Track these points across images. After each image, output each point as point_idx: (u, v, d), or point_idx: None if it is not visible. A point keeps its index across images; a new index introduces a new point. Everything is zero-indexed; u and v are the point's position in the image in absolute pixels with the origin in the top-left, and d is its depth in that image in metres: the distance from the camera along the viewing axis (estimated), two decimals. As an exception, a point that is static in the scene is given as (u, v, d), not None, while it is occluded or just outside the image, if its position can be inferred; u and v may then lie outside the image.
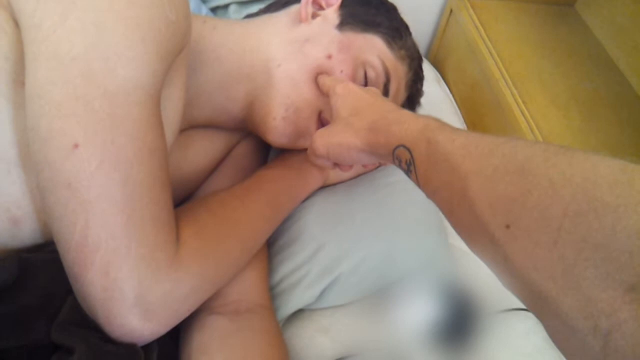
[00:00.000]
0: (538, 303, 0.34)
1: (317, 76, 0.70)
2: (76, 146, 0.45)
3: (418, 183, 0.50)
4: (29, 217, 0.53)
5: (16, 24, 0.50)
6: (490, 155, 0.40)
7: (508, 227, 0.36)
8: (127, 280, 0.46)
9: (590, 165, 0.33)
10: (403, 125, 0.52)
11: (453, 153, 0.43)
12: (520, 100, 1.05)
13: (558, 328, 0.33)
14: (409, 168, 0.50)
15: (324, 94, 0.70)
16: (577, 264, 0.31)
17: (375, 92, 0.65)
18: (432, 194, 0.47)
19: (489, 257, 0.39)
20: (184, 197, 0.78)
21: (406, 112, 0.55)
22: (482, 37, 1.18)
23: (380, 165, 0.82)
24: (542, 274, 0.33)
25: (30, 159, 0.50)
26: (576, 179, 0.33)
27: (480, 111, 1.18)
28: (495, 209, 0.37)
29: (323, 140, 0.62)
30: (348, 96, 0.63)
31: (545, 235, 0.33)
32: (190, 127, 0.74)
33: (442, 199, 0.45)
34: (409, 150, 0.49)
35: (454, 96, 1.24)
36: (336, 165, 0.67)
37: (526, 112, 1.03)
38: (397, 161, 0.52)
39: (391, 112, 0.56)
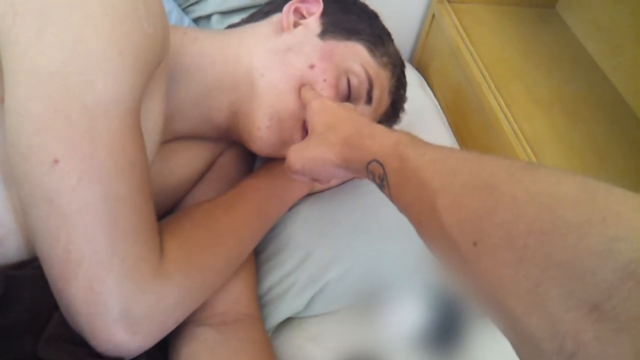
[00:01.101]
0: (505, 322, 0.34)
1: (300, 85, 0.70)
2: (56, 161, 0.45)
3: (390, 197, 0.50)
4: (13, 233, 0.52)
5: None
6: (458, 171, 0.40)
7: (475, 244, 0.36)
8: (111, 294, 0.46)
9: (553, 182, 0.33)
10: (376, 139, 0.52)
11: (422, 168, 0.44)
12: (503, 103, 1.05)
13: (524, 347, 0.33)
14: (382, 182, 0.50)
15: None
16: (542, 282, 0.31)
17: (350, 107, 0.65)
18: (403, 208, 0.48)
19: (458, 273, 0.39)
20: (168, 208, 0.78)
21: (379, 127, 0.56)
22: (464, 41, 1.19)
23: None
24: (508, 292, 0.33)
25: (11, 175, 0.50)
26: (540, 196, 0.33)
27: (464, 115, 1.18)
28: (462, 226, 0.37)
29: (298, 155, 0.62)
30: (323, 111, 0.63)
31: (511, 253, 0.33)
32: (173, 138, 0.74)
33: (412, 214, 0.46)
34: (381, 165, 0.50)
35: (438, 100, 1.24)
36: (314, 179, 0.67)
37: (509, 114, 1.03)
38: (371, 175, 0.52)
39: (365, 127, 0.57)
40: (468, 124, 1.17)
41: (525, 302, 0.32)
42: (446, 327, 0.74)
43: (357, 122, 0.59)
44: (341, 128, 0.59)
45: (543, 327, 0.30)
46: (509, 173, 0.36)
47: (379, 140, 0.52)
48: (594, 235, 0.29)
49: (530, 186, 0.34)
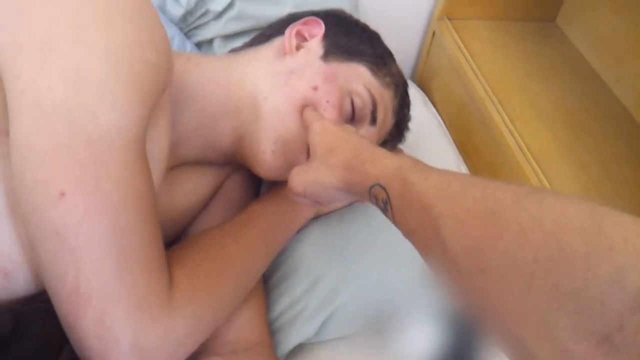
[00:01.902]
0: (515, 351, 0.33)
1: (304, 108, 0.70)
2: (62, 194, 0.45)
3: (394, 222, 0.49)
4: (20, 268, 0.52)
5: None
6: (462, 196, 0.40)
7: (482, 271, 0.35)
8: (121, 328, 0.46)
9: (559, 208, 0.33)
10: (377, 163, 0.52)
11: (426, 193, 0.43)
12: (506, 118, 1.05)
13: None
14: (385, 207, 0.50)
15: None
16: (551, 312, 0.30)
17: (351, 129, 0.65)
18: (407, 233, 0.47)
19: (466, 300, 0.38)
20: (176, 235, 0.77)
21: (380, 150, 0.55)
22: (465, 57, 1.19)
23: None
24: (517, 322, 0.32)
25: (18, 209, 0.50)
26: (546, 223, 0.32)
27: (468, 131, 1.18)
28: (468, 253, 0.37)
29: (299, 178, 0.62)
30: (324, 133, 0.63)
31: (518, 281, 0.32)
32: (179, 164, 0.74)
33: (417, 240, 0.45)
34: (384, 189, 0.49)
35: (441, 117, 1.24)
36: (316, 202, 0.67)
37: (513, 129, 1.03)
38: (374, 199, 0.52)
39: (366, 150, 0.56)
40: (472, 140, 1.17)
41: (534, 333, 0.31)
42: (459, 353, 0.73)
43: (358, 144, 0.59)
44: (342, 151, 0.59)
45: (554, 359, 0.30)
46: (514, 199, 0.36)
47: (381, 164, 0.52)
48: (602, 264, 0.29)
49: (535, 213, 0.33)
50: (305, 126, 0.70)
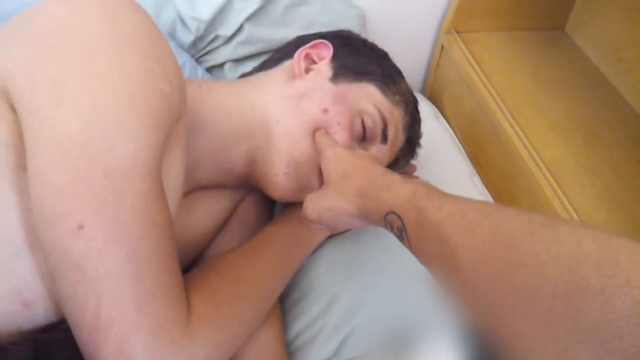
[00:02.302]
0: None
1: (315, 130, 0.71)
2: (81, 227, 0.46)
3: (411, 249, 0.49)
4: (41, 298, 0.53)
5: (14, 110, 0.51)
6: (477, 226, 0.40)
7: (501, 305, 0.35)
8: (141, 356, 0.47)
9: (574, 241, 0.33)
10: (391, 191, 0.52)
11: (441, 222, 0.43)
12: (518, 130, 1.05)
13: None
14: (401, 234, 0.50)
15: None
16: (570, 347, 0.30)
17: (364, 155, 0.66)
18: (424, 261, 0.47)
19: (485, 331, 0.38)
20: (193, 259, 0.78)
21: (394, 177, 0.56)
22: (474, 70, 1.19)
23: None
24: (537, 354, 0.32)
25: (37, 242, 0.51)
26: (562, 257, 0.33)
27: (480, 143, 1.18)
28: (486, 286, 0.37)
29: (314, 205, 0.63)
30: (337, 160, 0.64)
31: (537, 316, 0.32)
32: (193, 189, 0.75)
33: (434, 268, 0.45)
34: (399, 217, 0.50)
35: (453, 130, 1.24)
36: (331, 228, 0.67)
37: (525, 140, 1.03)
38: (389, 227, 0.52)
39: (380, 177, 0.57)
40: (485, 151, 1.16)
41: None
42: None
43: (372, 171, 0.59)
44: (356, 178, 0.59)
45: None
46: (529, 231, 0.36)
47: (395, 192, 0.52)
48: (619, 298, 0.29)
49: (551, 247, 0.34)
50: (317, 150, 0.70)
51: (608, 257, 0.31)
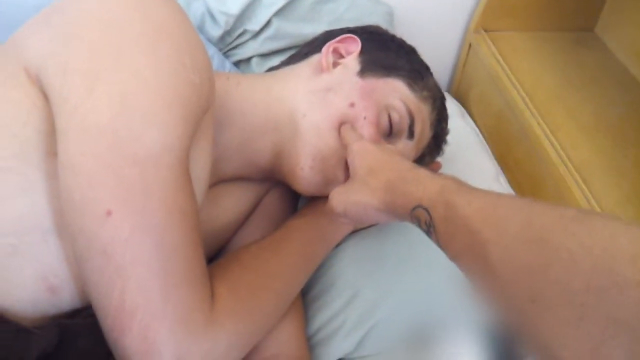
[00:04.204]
0: None
1: (342, 124, 0.71)
2: (109, 213, 0.47)
3: (439, 244, 0.49)
4: (67, 284, 0.54)
5: (46, 97, 0.52)
6: (508, 221, 0.40)
7: (533, 301, 0.35)
8: (165, 343, 0.47)
9: (608, 234, 0.33)
10: (420, 185, 0.52)
11: (471, 217, 0.43)
12: (547, 130, 1.04)
13: None
14: (429, 229, 0.49)
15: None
16: (604, 342, 0.30)
17: (391, 150, 0.65)
18: (453, 257, 0.47)
19: (517, 327, 0.38)
20: (217, 250, 0.79)
21: (422, 171, 0.55)
22: (503, 69, 1.18)
23: None
24: (570, 352, 0.32)
25: (64, 227, 0.51)
26: (595, 250, 0.32)
27: (507, 143, 1.17)
28: (518, 281, 0.37)
29: (340, 198, 0.62)
30: (364, 154, 0.63)
31: (570, 311, 0.32)
32: (219, 181, 0.75)
33: (463, 264, 0.45)
34: (427, 211, 0.49)
35: (479, 129, 1.23)
36: (357, 222, 0.67)
37: (554, 141, 1.02)
38: (416, 221, 0.52)
39: (407, 171, 0.56)
40: (512, 151, 1.15)
41: None
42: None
43: (399, 166, 0.59)
44: (383, 172, 0.59)
45: None
46: (561, 225, 0.35)
47: (423, 186, 0.51)
48: None
49: (585, 239, 0.33)
50: (343, 144, 0.70)
51: None
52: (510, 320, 0.39)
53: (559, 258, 0.34)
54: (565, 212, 0.36)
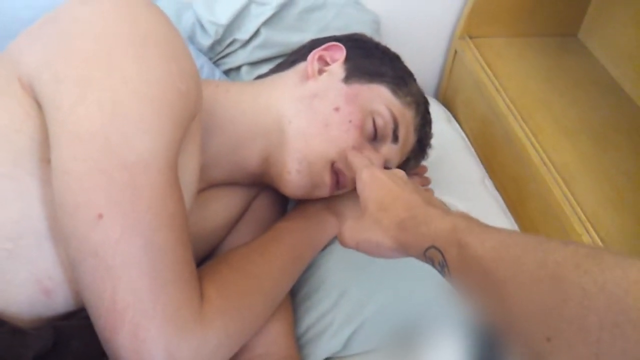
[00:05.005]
0: None
1: (327, 127, 0.72)
2: (100, 216, 0.48)
3: (452, 284, 0.49)
4: (61, 287, 0.55)
5: (39, 106, 0.54)
6: (522, 260, 0.40)
7: (549, 339, 0.35)
8: (155, 341, 0.48)
9: (620, 271, 0.33)
10: (431, 225, 0.51)
11: (484, 257, 0.43)
12: (530, 133, 1.06)
13: None
14: (442, 269, 0.49)
15: (351, 172, 0.70)
16: None
17: (400, 179, 0.64)
18: (467, 295, 0.47)
19: None
20: (207, 253, 0.80)
21: (434, 210, 0.55)
22: (487, 75, 1.20)
23: None
24: None
25: (58, 232, 0.53)
26: (609, 286, 0.32)
27: (492, 146, 1.19)
28: (534, 319, 0.37)
29: (352, 234, 0.61)
30: (374, 185, 0.62)
31: (586, 348, 0.32)
32: (209, 186, 0.77)
33: (477, 302, 0.45)
34: (440, 251, 0.49)
35: (465, 133, 1.26)
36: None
37: (537, 144, 1.04)
38: (430, 261, 0.51)
39: (419, 209, 0.56)
40: (497, 155, 1.17)
41: None
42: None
43: (410, 202, 0.58)
44: (394, 209, 0.58)
45: None
46: (574, 263, 0.36)
47: (435, 226, 0.51)
48: None
49: (598, 277, 0.33)
50: (330, 146, 0.72)
51: None
52: (526, 358, 0.39)
53: (573, 296, 0.34)
54: (578, 250, 0.37)
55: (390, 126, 0.76)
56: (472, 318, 0.76)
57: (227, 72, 1.09)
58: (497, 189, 1.12)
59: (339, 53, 0.79)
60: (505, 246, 0.42)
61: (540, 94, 1.18)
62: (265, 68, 0.98)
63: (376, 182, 0.63)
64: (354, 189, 0.67)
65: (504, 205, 1.09)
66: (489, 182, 1.11)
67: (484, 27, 1.29)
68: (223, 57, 1.08)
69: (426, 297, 0.76)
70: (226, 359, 0.57)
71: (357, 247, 0.61)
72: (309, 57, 0.78)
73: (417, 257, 0.53)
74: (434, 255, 0.50)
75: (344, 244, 0.63)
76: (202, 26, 1.04)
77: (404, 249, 0.55)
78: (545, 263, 0.38)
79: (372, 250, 0.60)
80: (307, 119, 0.73)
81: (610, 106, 1.18)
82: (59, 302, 0.56)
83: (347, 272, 0.77)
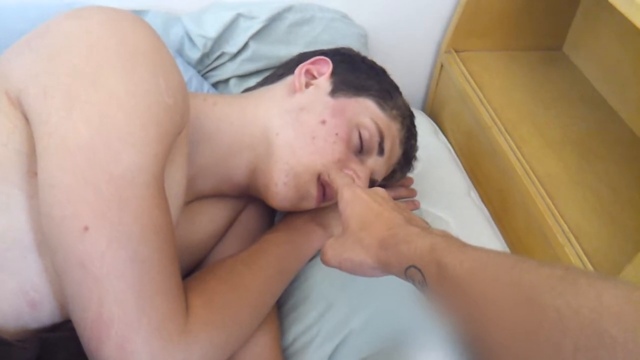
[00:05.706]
0: None
1: (314, 139, 0.73)
2: (86, 229, 0.49)
3: (433, 304, 0.49)
4: (47, 298, 0.55)
5: (26, 119, 0.54)
6: (499, 282, 0.40)
7: None
8: (141, 353, 0.49)
9: (594, 294, 0.33)
10: (411, 244, 0.51)
11: (462, 277, 0.43)
12: (514, 146, 1.08)
13: None
14: (422, 288, 0.49)
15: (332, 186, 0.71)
16: None
17: (382, 197, 0.64)
18: (447, 316, 0.47)
19: None
20: (194, 265, 0.81)
21: (413, 229, 0.55)
22: (472, 88, 1.22)
23: None
24: None
25: (44, 244, 0.53)
26: (583, 310, 0.33)
27: (477, 159, 1.21)
28: (510, 342, 0.37)
29: (334, 253, 0.61)
30: (355, 203, 0.62)
31: None
32: (196, 198, 0.77)
33: (456, 322, 0.46)
34: (420, 271, 0.49)
35: (452, 145, 1.27)
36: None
37: (520, 156, 1.05)
38: (411, 280, 0.51)
39: (399, 228, 0.56)
40: (482, 167, 1.19)
41: None
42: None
43: (390, 220, 0.58)
44: (376, 228, 0.58)
45: None
46: (549, 285, 0.36)
47: (414, 246, 0.51)
48: None
49: (572, 299, 0.34)
50: (316, 159, 0.73)
51: (629, 309, 0.31)
52: None
53: (548, 318, 0.34)
54: (554, 272, 0.37)
55: (376, 139, 0.77)
56: (451, 336, 0.76)
57: (215, 85, 1.10)
58: (483, 200, 1.13)
59: (326, 67, 0.80)
60: (483, 266, 0.43)
61: (525, 107, 1.20)
62: (253, 81, 0.99)
63: (357, 200, 0.62)
64: None
65: (490, 217, 1.10)
66: (474, 194, 1.13)
67: (469, 41, 1.31)
68: (212, 69, 1.09)
69: (412, 310, 0.76)
70: (212, 371, 0.57)
71: (340, 266, 0.61)
72: (297, 71, 0.79)
73: (399, 275, 0.53)
74: (414, 275, 0.50)
75: (326, 263, 0.63)
76: (190, 39, 1.05)
77: (385, 268, 0.55)
78: (520, 285, 0.38)
79: (354, 270, 0.60)
80: (294, 131, 0.74)
81: (594, 119, 1.19)
82: (45, 313, 0.56)
83: (334, 284, 0.78)
